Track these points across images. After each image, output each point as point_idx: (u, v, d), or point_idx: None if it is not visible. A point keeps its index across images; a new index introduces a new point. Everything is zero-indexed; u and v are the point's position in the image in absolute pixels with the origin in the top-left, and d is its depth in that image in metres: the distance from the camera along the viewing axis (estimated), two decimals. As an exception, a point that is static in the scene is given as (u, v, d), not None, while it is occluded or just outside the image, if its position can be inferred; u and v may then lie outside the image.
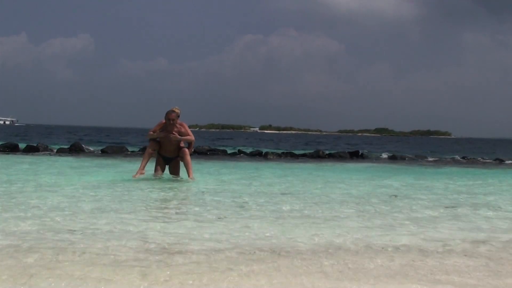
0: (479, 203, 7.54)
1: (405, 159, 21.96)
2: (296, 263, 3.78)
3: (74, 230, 4.68)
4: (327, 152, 22.71)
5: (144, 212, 5.88)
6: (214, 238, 4.55)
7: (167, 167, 9.41)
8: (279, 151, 23.04)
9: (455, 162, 21.30)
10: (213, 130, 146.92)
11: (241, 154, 20.98)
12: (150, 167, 9.36)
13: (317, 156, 21.16)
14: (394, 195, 8.10)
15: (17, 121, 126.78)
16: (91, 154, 18.72)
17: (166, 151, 9.19)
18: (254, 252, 4.06)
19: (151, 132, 9.21)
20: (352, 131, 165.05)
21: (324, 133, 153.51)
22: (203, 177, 9.98)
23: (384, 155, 23.35)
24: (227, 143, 36.54)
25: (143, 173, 9.04)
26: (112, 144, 23.63)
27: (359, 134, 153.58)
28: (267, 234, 4.78)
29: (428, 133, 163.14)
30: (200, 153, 19.88)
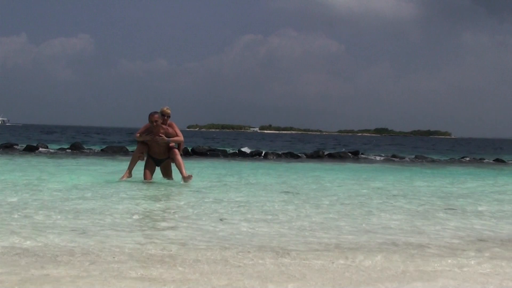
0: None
1: (405, 159, 21.95)
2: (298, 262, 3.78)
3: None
4: (327, 152, 22.71)
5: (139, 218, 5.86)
6: (216, 239, 4.55)
7: (157, 170, 9.04)
8: (279, 151, 23.04)
9: (455, 162, 21.28)
10: (213, 130, 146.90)
11: (241, 155, 20.98)
12: (139, 169, 8.91)
13: (317, 156, 21.16)
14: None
15: (8, 120, 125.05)
16: (91, 154, 18.71)
17: (155, 153, 8.88)
18: (254, 252, 4.06)
19: (138, 135, 8.88)
20: (352, 131, 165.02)
21: (324, 133, 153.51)
22: (202, 177, 9.97)
23: (383, 156, 23.33)
24: (227, 143, 36.52)
25: (130, 176, 8.76)
26: (112, 144, 23.64)
27: (359, 134, 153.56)
28: (268, 235, 4.78)
29: (428, 133, 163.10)
30: (200, 153, 19.87)
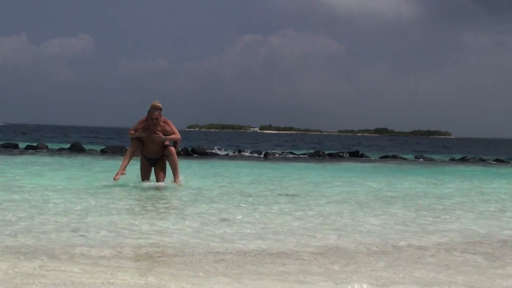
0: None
1: (405, 159, 21.94)
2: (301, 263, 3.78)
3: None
4: (327, 152, 22.72)
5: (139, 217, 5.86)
6: (217, 239, 4.54)
7: (152, 171, 8.57)
8: (279, 151, 23.04)
9: (455, 162, 21.27)
10: (213, 130, 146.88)
11: (241, 153, 20.98)
12: (133, 168, 8.58)
13: (317, 155, 21.17)
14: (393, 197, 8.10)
15: None
16: (91, 154, 18.71)
17: (150, 152, 8.38)
18: (258, 254, 4.06)
19: (132, 131, 8.38)
20: (352, 131, 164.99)
21: (324, 133, 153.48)
22: (202, 177, 9.96)
23: (383, 156, 23.32)
24: (227, 143, 36.50)
25: (124, 173, 8.18)
26: (112, 144, 23.64)
27: (359, 134, 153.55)
28: (269, 235, 4.77)
29: (428, 133, 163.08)
30: (199, 154, 19.87)
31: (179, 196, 7.38)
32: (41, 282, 3.13)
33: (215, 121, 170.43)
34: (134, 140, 8.32)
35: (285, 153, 22.19)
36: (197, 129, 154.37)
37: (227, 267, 3.60)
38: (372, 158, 21.82)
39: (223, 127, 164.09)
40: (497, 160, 22.16)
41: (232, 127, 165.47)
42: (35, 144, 19.96)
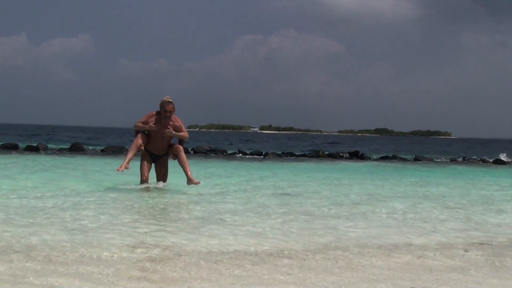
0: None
1: (405, 159, 21.93)
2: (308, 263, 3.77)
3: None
4: (326, 152, 22.71)
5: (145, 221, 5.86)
6: (217, 240, 4.54)
7: (152, 170, 8.13)
8: (279, 151, 23.04)
9: (454, 162, 21.26)
10: (213, 130, 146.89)
11: (241, 154, 20.98)
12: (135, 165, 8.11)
13: (317, 156, 21.16)
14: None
15: None
16: (91, 153, 18.70)
17: (155, 147, 7.92)
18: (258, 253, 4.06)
19: (140, 124, 7.86)
20: (352, 131, 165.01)
21: (324, 133, 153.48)
22: (202, 177, 9.95)
23: (383, 155, 23.32)
24: (227, 142, 36.50)
25: (127, 167, 7.70)
26: (112, 144, 23.63)
27: (359, 134, 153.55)
28: (271, 235, 4.77)
29: (428, 133, 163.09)
30: (200, 153, 19.86)
31: (180, 196, 7.34)
32: (37, 284, 3.13)
33: (215, 121, 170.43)
34: (140, 134, 7.84)
35: (285, 153, 22.17)
36: (197, 129, 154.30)
37: (228, 270, 3.59)
38: (372, 158, 21.82)
39: (223, 127, 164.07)
40: (497, 161, 22.15)
41: (232, 127, 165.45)
42: (35, 145, 19.94)
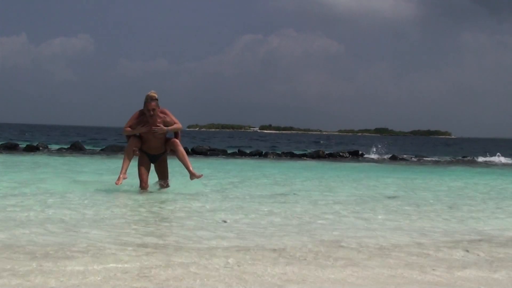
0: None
1: (405, 159, 21.95)
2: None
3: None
4: (327, 152, 22.72)
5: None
6: (219, 240, 4.54)
7: (152, 170, 7.73)
8: (279, 151, 23.05)
9: (454, 162, 21.27)
10: (213, 130, 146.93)
11: (241, 154, 20.99)
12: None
13: (317, 156, 21.16)
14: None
15: None
16: (91, 153, 18.70)
17: (151, 147, 7.52)
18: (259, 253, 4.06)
19: (128, 128, 7.47)
20: (352, 131, 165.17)
21: (324, 132, 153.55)
22: (202, 178, 9.92)
23: (383, 155, 23.32)
24: (227, 142, 36.51)
25: (125, 177, 7.39)
26: (112, 144, 23.64)
27: (359, 134, 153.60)
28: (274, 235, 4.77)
29: (428, 133, 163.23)
30: (200, 153, 19.87)
31: (180, 196, 7.28)
32: (39, 281, 3.12)
33: (215, 121, 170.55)
34: (132, 138, 7.50)
35: (285, 153, 22.17)
36: (197, 129, 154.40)
37: (228, 269, 3.59)
38: (372, 158, 21.81)
39: (223, 127, 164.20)
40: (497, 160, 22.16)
41: (232, 126, 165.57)
42: (35, 144, 19.96)
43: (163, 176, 7.75)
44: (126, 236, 4.48)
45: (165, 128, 7.44)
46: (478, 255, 4.19)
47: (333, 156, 21.51)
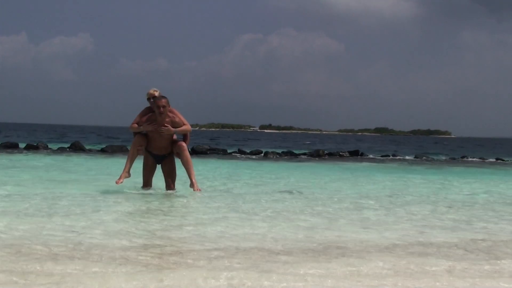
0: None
1: (405, 159, 21.96)
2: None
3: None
4: (327, 151, 22.73)
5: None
6: (219, 239, 4.54)
7: (157, 169, 7.46)
8: (279, 150, 23.05)
9: (453, 162, 21.28)
10: (213, 129, 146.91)
11: (241, 154, 21.01)
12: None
13: (317, 155, 21.17)
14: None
15: None
16: (91, 153, 18.70)
17: (156, 147, 7.22)
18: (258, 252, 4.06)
19: (135, 125, 7.16)
20: (352, 131, 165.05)
21: (324, 132, 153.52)
22: (202, 177, 9.96)
23: (383, 155, 23.34)
24: (227, 142, 36.51)
25: (128, 176, 7.19)
26: (111, 144, 23.65)
27: (359, 133, 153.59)
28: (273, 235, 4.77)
29: (428, 132, 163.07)
30: (200, 153, 19.87)
31: (180, 195, 7.24)
32: (40, 280, 3.13)
33: (215, 121, 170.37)
34: (137, 136, 7.19)
35: (285, 152, 22.17)
36: (197, 128, 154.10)
37: (227, 269, 3.60)
38: (372, 158, 21.83)
39: (223, 126, 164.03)
40: (497, 160, 22.18)
41: (232, 126, 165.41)
42: (35, 144, 19.95)
43: (169, 177, 7.39)
44: (124, 237, 4.49)
45: (173, 129, 7.10)
46: (477, 255, 4.20)
47: (333, 156, 21.51)
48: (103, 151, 19.41)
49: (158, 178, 7.59)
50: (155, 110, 6.99)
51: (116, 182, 7.10)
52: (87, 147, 21.00)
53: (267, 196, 7.47)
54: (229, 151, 21.84)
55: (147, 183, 7.39)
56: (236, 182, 9.46)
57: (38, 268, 3.41)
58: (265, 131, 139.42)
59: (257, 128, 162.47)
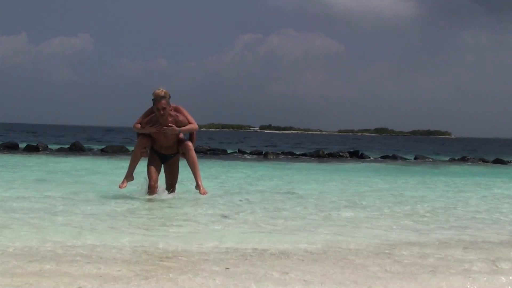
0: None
1: (405, 159, 21.94)
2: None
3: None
4: (327, 151, 22.72)
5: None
6: (219, 238, 4.55)
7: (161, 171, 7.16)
8: (279, 151, 23.05)
9: (454, 163, 21.27)
10: (213, 130, 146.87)
11: (241, 154, 21.01)
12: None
13: (317, 155, 21.16)
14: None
15: None
16: (91, 153, 18.70)
17: (162, 147, 6.99)
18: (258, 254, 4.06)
19: (138, 125, 6.92)
20: (352, 131, 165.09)
21: (324, 132, 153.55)
22: (202, 177, 9.93)
23: (383, 155, 23.33)
24: (227, 142, 36.51)
25: (131, 179, 6.98)
26: (112, 144, 23.64)
27: (359, 134, 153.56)
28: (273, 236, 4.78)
29: (428, 133, 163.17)
30: (200, 153, 19.86)
31: (180, 195, 7.16)
32: (40, 280, 3.13)
33: (215, 121, 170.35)
34: (141, 137, 6.94)
35: (285, 153, 22.17)
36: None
37: (227, 270, 3.60)
38: (372, 158, 21.82)
39: (223, 126, 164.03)
40: (497, 160, 22.16)
41: (232, 126, 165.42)
42: (35, 144, 19.94)
43: (171, 179, 7.19)
44: (125, 236, 4.49)
45: (177, 128, 6.85)
46: (477, 255, 4.20)
47: (333, 156, 21.50)
48: (103, 151, 19.40)
49: (160, 179, 7.35)
50: (155, 111, 6.80)
51: (120, 186, 6.89)
52: (87, 147, 20.98)
53: (267, 197, 7.47)
54: (229, 151, 21.83)
55: (153, 181, 6.91)
56: (236, 183, 9.47)
57: (37, 269, 3.42)
58: (265, 131, 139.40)
59: (257, 129, 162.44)
